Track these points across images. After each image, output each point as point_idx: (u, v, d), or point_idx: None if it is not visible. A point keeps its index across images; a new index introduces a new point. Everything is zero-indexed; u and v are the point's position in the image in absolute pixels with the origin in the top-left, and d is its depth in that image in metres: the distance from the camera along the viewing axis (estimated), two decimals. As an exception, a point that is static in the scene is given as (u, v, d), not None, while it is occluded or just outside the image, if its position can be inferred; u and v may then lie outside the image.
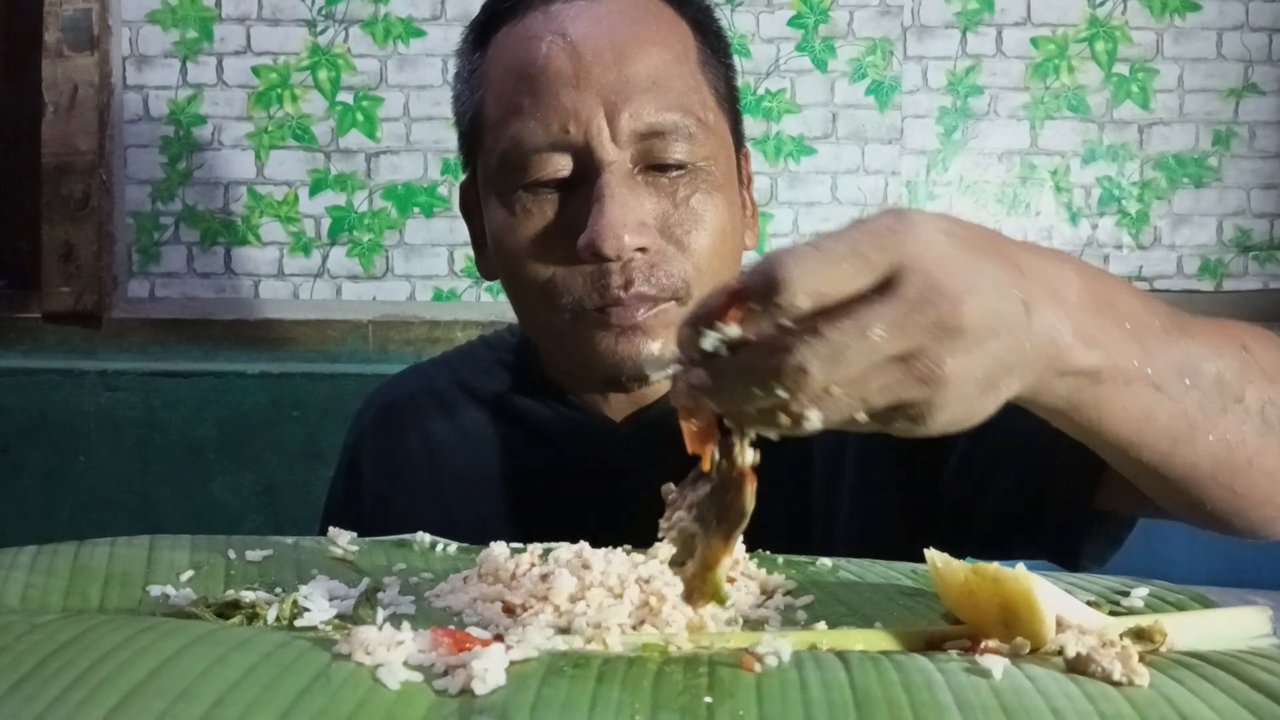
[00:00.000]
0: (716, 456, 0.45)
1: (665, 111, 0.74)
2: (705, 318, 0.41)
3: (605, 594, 0.50)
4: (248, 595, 0.51)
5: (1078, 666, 0.40)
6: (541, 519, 0.75)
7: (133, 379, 1.83)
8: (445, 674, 0.39)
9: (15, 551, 0.57)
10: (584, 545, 0.56)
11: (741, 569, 0.56)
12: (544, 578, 0.52)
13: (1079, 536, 0.72)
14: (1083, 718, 0.36)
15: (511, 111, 0.75)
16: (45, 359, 1.87)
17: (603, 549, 0.55)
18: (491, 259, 0.82)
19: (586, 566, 0.53)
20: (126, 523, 1.77)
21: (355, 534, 0.65)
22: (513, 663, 0.39)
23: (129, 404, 1.83)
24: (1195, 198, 1.92)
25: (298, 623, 0.49)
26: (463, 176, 0.86)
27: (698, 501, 0.45)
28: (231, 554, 0.60)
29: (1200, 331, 0.52)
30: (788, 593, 0.55)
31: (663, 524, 0.48)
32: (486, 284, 1.87)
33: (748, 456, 0.44)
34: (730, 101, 0.82)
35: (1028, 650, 0.43)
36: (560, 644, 0.43)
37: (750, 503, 0.43)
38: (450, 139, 0.87)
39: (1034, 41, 1.90)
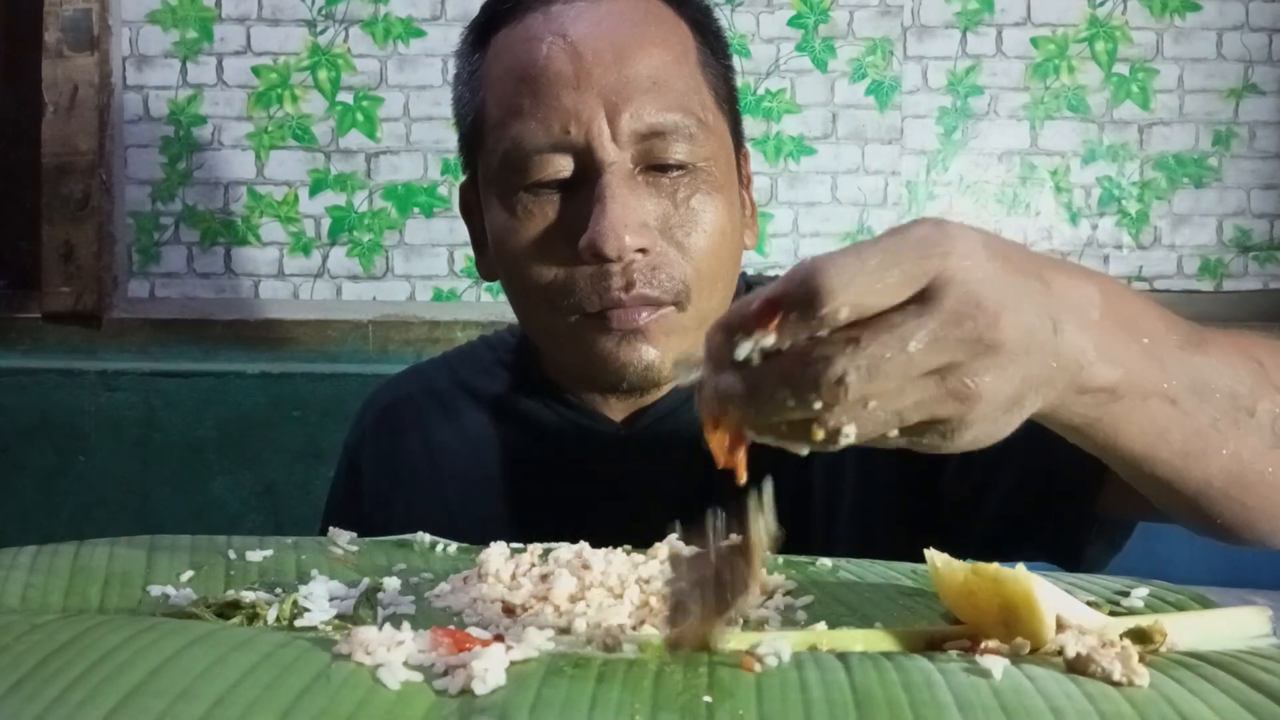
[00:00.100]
0: (719, 526, 0.43)
1: (666, 112, 0.74)
2: (740, 324, 0.41)
3: (605, 594, 0.51)
4: (248, 595, 0.51)
5: (1078, 667, 0.40)
6: (541, 519, 0.75)
7: (133, 379, 1.83)
8: (445, 674, 0.39)
9: (15, 551, 0.57)
10: (584, 545, 0.56)
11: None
12: (544, 578, 0.52)
13: (1080, 539, 0.72)
14: (1082, 718, 0.36)
15: (512, 112, 0.75)
16: (45, 359, 1.87)
17: (603, 549, 0.55)
18: (492, 260, 0.82)
19: (586, 566, 0.53)
20: (126, 523, 1.77)
21: (355, 534, 0.65)
22: (513, 663, 0.39)
23: (129, 404, 1.83)
24: (1195, 198, 1.91)
25: (298, 623, 0.49)
26: (463, 177, 0.86)
27: (698, 578, 0.43)
28: (231, 554, 0.60)
29: (1216, 347, 0.52)
30: (788, 593, 0.55)
31: (661, 614, 0.45)
32: (486, 284, 1.87)
33: (763, 527, 0.42)
34: (730, 102, 0.82)
35: (1028, 650, 0.43)
36: (560, 644, 0.43)
37: (758, 575, 0.42)
38: (450, 139, 0.87)
39: (1034, 41, 1.90)
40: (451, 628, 0.43)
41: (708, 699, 0.37)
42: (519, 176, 0.75)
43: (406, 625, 0.42)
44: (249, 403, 1.82)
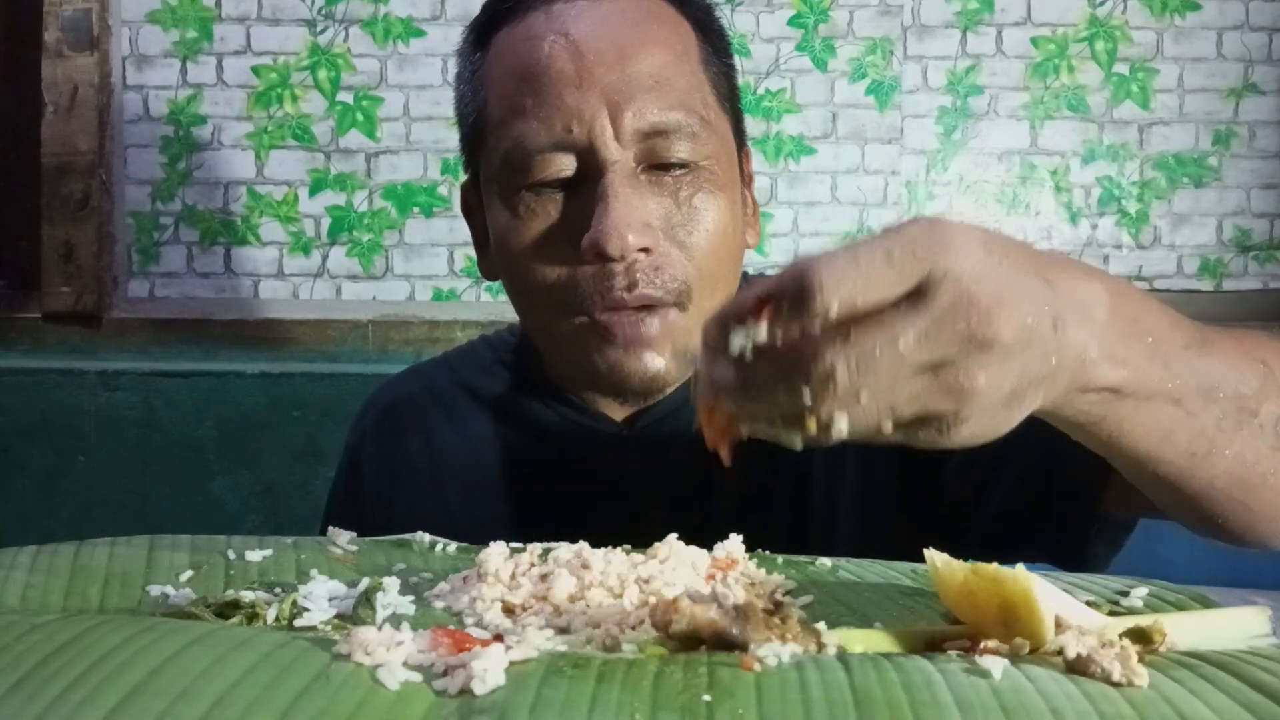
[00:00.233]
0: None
1: (668, 110, 0.74)
2: (735, 316, 0.41)
3: (605, 594, 0.51)
4: (248, 595, 0.51)
5: (1077, 667, 0.40)
6: (542, 519, 0.75)
7: (133, 379, 1.83)
8: (445, 674, 0.39)
9: (15, 551, 0.57)
10: (584, 545, 0.56)
11: (741, 569, 0.56)
12: (544, 578, 0.52)
13: (1083, 538, 0.72)
14: (1082, 718, 0.36)
15: (514, 112, 0.75)
16: (45, 359, 1.87)
17: (602, 549, 0.55)
18: (493, 260, 0.82)
19: (586, 566, 0.53)
20: (126, 523, 1.77)
21: (355, 534, 0.65)
22: (512, 663, 0.39)
23: (129, 404, 1.83)
24: (1195, 198, 1.91)
25: (297, 623, 0.49)
26: (464, 177, 0.86)
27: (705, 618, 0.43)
28: (231, 554, 0.60)
29: (1221, 348, 0.52)
30: (788, 593, 0.55)
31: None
32: (486, 284, 1.88)
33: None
34: (732, 100, 0.82)
35: (1027, 650, 0.43)
36: (560, 644, 0.43)
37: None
38: (450, 139, 0.88)
39: (1034, 41, 1.90)
40: (451, 628, 0.43)
41: (708, 699, 0.37)
42: (521, 176, 0.75)
43: (406, 625, 0.42)
44: (249, 403, 1.82)
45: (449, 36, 1.80)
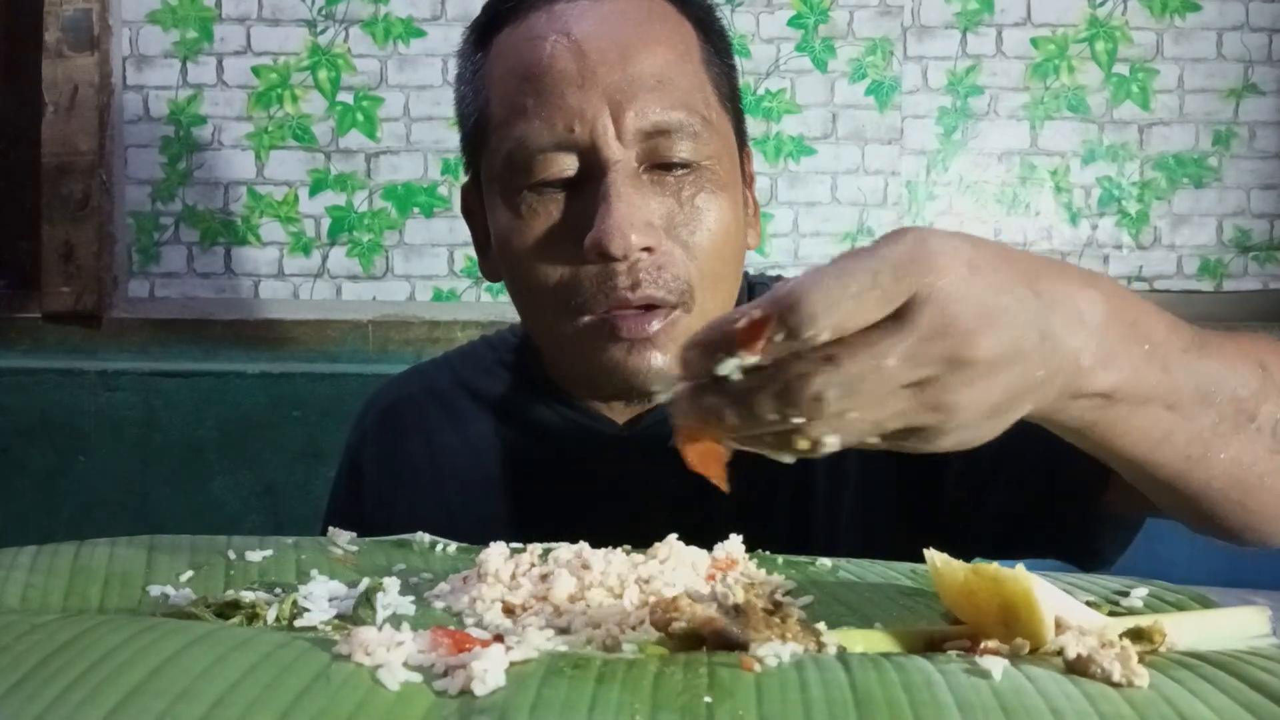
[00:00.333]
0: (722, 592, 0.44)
1: (670, 110, 0.74)
2: (721, 343, 0.41)
3: (605, 594, 0.51)
4: (248, 595, 0.51)
5: (1077, 667, 0.40)
6: (542, 520, 0.75)
7: (133, 379, 1.83)
8: (445, 674, 0.39)
9: (15, 551, 0.57)
10: (584, 545, 0.56)
11: (741, 569, 0.56)
12: (544, 578, 0.52)
13: (1087, 537, 0.72)
14: (1082, 718, 0.36)
15: (516, 112, 0.75)
16: (45, 359, 1.87)
17: (603, 549, 0.55)
18: (495, 260, 0.81)
19: (586, 567, 0.53)
20: (126, 523, 1.77)
21: (355, 534, 0.65)
22: (512, 663, 0.39)
23: (129, 404, 1.83)
24: (1195, 198, 1.92)
25: (297, 623, 0.49)
26: (464, 177, 0.86)
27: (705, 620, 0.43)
28: (231, 554, 0.60)
29: (1219, 351, 0.52)
30: (788, 593, 0.55)
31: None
32: (487, 284, 1.88)
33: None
34: (733, 100, 0.82)
35: (1027, 651, 0.43)
36: (560, 644, 0.43)
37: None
38: (450, 139, 0.88)
39: (1034, 41, 1.90)
40: (451, 628, 0.43)
41: (708, 699, 0.37)
42: (523, 176, 0.75)
43: (406, 626, 0.42)
44: (249, 403, 1.82)
45: (449, 36, 1.81)
